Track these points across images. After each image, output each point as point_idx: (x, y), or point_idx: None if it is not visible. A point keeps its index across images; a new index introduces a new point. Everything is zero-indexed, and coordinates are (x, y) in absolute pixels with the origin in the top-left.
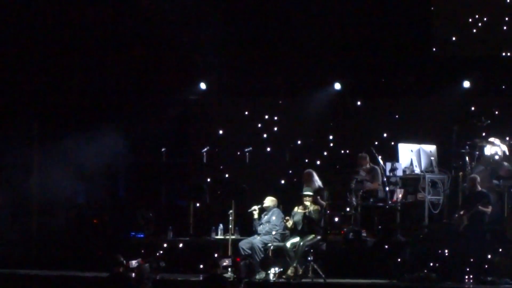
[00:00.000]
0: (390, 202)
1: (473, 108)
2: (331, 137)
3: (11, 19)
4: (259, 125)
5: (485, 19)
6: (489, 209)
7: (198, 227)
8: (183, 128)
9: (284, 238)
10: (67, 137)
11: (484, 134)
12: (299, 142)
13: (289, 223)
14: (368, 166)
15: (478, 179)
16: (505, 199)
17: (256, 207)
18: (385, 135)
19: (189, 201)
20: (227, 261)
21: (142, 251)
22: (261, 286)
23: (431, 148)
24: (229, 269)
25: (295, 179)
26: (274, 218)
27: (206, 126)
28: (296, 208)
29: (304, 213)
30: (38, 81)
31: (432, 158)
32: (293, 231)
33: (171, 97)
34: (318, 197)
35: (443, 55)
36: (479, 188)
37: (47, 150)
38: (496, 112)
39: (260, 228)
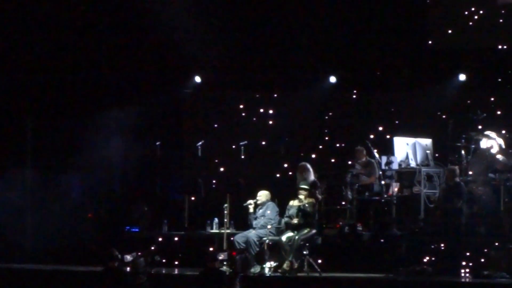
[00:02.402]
0: (385, 196)
1: (469, 102)
2: (326, 131)
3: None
4: (254, 119)
5: (481, 11)
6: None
7: (193, 221)
8: (177, 121)
9: (279, 232)
10: (61, 132)
11: (480, 127)
12: (294, 135)
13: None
14: (364, 159)
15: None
16: (501, 192)
17: (251, 201)
18: (380, 128)
19: (184, 195)
20: (222, 255)
21: (137, 245)
22: (257, 280)
23: (427, 141)
24: (225, 263)
25: (290, 173)
26: (269, 212)
27: (201, 120)
28: (291, 202)
29: (299, 206)
30: (30, 73)
31: (428, 151)
32: (288, 225)
33: (166, 90)
34: (316, 191)
35: (439, 48)
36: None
37: (41, 145)
38: (492, 105)
39: (255, 222)
